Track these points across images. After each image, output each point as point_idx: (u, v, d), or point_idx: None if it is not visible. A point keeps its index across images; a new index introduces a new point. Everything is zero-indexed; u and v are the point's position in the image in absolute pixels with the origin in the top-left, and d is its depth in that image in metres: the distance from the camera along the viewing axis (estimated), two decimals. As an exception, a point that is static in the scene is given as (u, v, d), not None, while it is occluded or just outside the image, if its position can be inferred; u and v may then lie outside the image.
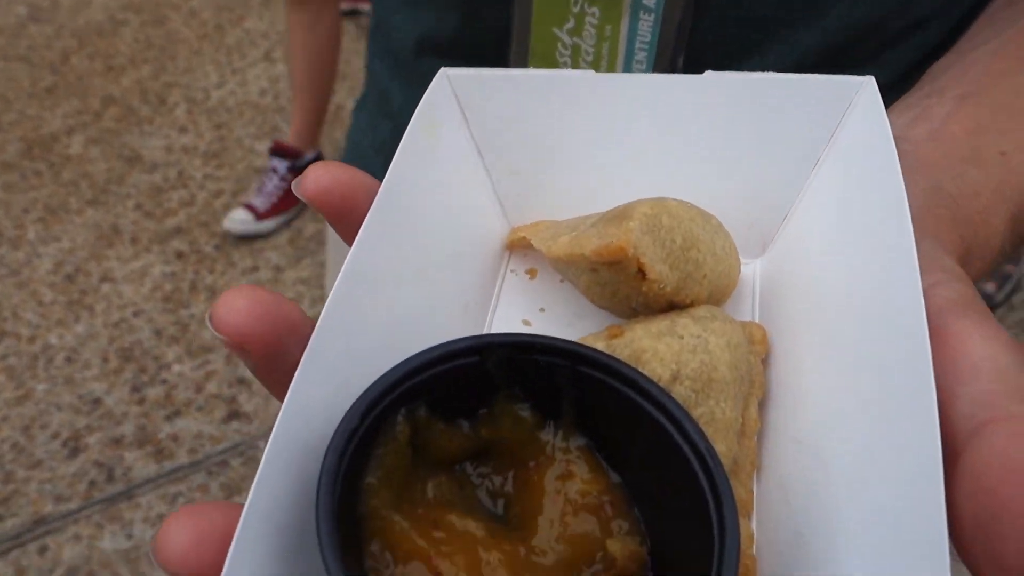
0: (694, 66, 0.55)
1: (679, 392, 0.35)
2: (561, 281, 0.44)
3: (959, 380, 0.30)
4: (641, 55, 0.56)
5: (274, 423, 0.30)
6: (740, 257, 0.43)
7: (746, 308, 0.43)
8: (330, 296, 0.34)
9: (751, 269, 0.44)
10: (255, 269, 2.76)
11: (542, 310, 0.43)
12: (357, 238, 0.36)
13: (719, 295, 0.40)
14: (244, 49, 3.76)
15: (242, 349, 0.33)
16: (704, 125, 0.43)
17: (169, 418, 2.36)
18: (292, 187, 0.38)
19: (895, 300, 0.32)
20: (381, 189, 0.37)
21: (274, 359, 0.33)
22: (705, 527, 0.31)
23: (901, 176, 0.35)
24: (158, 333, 2.58)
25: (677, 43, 0.56)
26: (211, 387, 2.44)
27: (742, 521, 0.35)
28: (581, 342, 0.35)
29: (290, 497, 0.31)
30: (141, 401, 2.41)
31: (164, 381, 2.45)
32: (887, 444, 0.31)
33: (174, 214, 3.00)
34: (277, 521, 0.30)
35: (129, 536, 2.12)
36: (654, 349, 0.35)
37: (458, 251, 0.43)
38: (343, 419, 0.31)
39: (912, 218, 0.34)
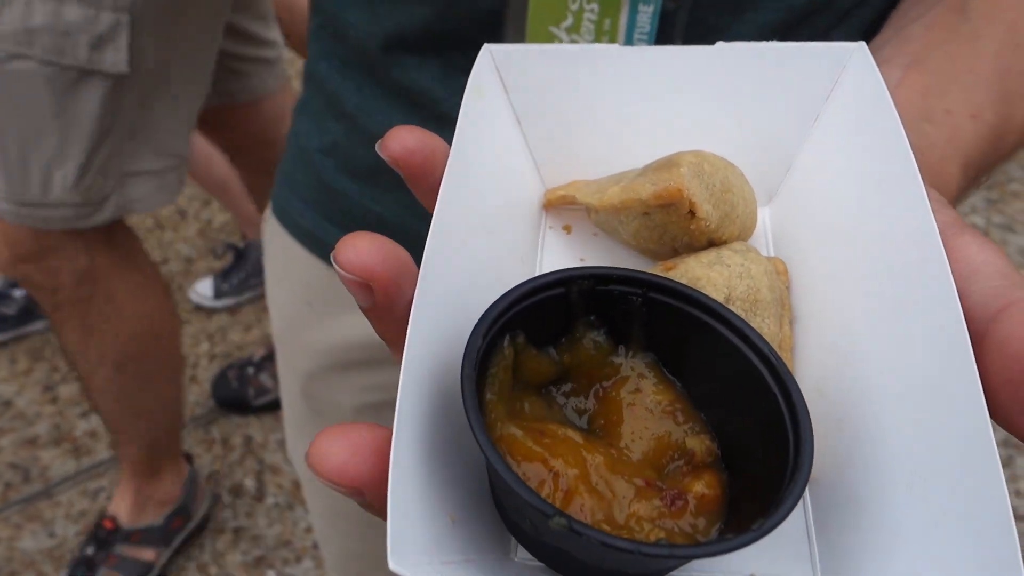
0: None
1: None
2: (595, 234, 0.50)
3: (967, 281, 0.37)
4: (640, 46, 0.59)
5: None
6: None
7: (761, 249, 0.49)
8: (427, 246, 0.38)
9: (761, 217, 0.50)
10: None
11: (582, 260, 0.49)
12: (439, 196, 0.40)
13: (746, 235, 0.46)
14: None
15: (366, 288, 0.36)
16: (716, 90, 0.49)
17: (85, 415, 2.32)
18: (376, 147, 0.41)
19: (906, 216, 0.39)
20: (451, 155, 0.41)
21: (391, 297, 0.37)
22: (774, 419, 0.36)
23: (899, 119, 0.42)
24: (66, 330, 2.52)
25: (675, 32, 0.60)
26: (127, 381, 2.39)
27: None
28: None
29: (429, 407, 0.36)
30: (54, 400, 2.36)
31: (78, 378, 2.40)
32: (915, 331, 0.37)
33: (73, 208, 2.91)
34: (422, 429, 0.35)
35: (51, 535, 2.08)
36: (707, 276, 0.41)
37: (510, 210, 0.48)
38: (470, 338, 0.35)
39: None
